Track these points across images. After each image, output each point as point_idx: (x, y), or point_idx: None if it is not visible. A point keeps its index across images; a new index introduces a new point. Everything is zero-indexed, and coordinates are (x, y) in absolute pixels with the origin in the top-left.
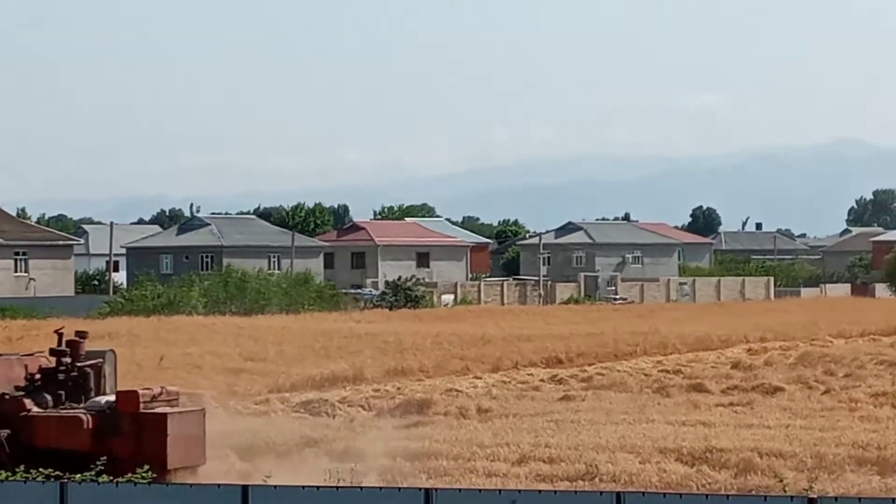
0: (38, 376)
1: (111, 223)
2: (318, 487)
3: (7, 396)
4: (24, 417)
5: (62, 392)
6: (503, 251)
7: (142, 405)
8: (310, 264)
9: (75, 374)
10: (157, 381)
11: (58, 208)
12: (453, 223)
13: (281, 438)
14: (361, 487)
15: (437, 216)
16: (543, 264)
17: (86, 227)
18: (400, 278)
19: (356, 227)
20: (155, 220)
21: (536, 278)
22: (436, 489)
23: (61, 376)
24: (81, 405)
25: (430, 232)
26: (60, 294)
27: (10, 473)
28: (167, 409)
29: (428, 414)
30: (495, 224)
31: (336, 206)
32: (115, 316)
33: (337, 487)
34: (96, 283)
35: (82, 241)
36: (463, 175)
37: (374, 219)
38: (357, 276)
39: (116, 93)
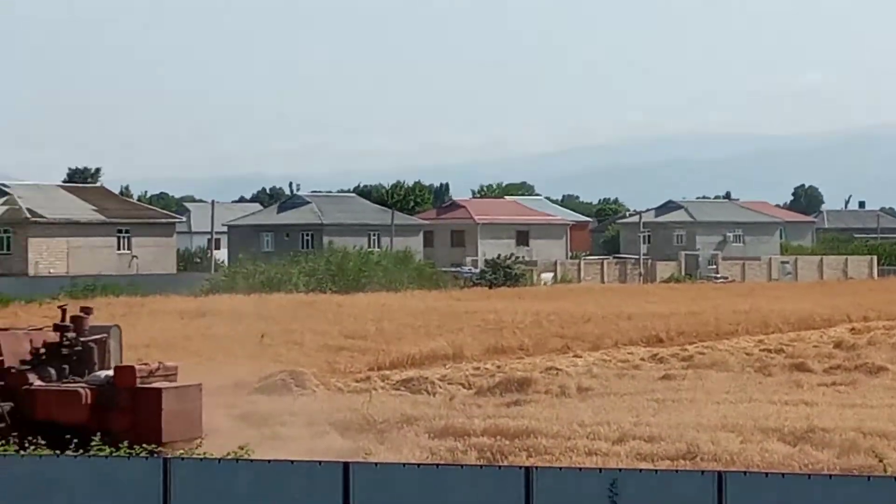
0: (42, 351)
1: (212, 201)
2: (418, 465)
3: (13, 370)
4: (26, 391)
5: (66, 366)
6: (603, 230)
7: (138, 380)
8: (409, 242)
9: (79, 348)
10: (258, 359)
11: (160, 186)
12: (553, 202)
13: (381, 416)
14: (462, 465)
15: (537, 195)
16: (644, 243)
17: (188, 205)
18: (499, 256)
19: (456, 206)
20: (256, 199)
21: (637, 257)
22: (536, 467)
23: (65, 351)
24: (83, 380)
25: (529, 210)
26: (162, 271)
27: (113, 449)
28: (163, 384)
29: (528, 392)
30: (595, 202)
31: (436, 185)
32: (217, 293)
33: (437, 465)
34: (198, 260)
35: (184, 218)
36: (562, 154)
37: (474, 197)
38: (456, 254)
39: (218, 74)
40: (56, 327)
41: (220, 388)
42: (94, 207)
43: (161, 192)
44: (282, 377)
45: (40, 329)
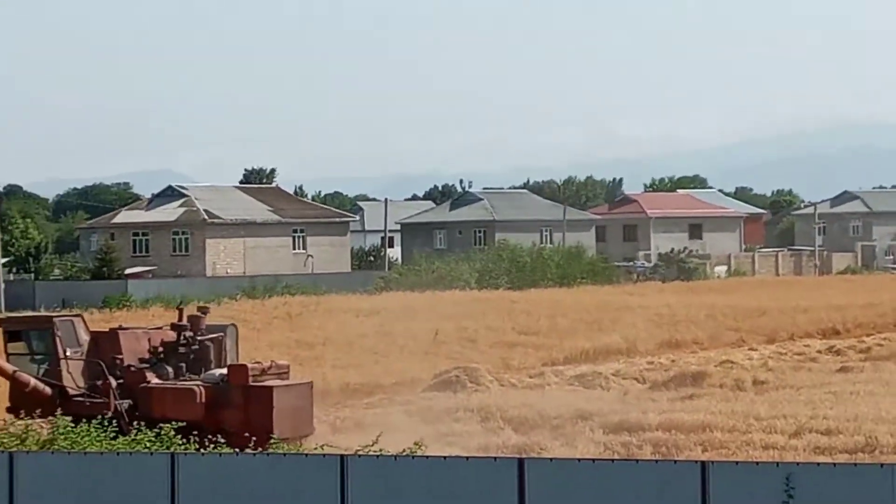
0: (160, 349)
1: (385, 199)
2: (593, 460)
3: (132, 368)
4: (143, 389)
5: (183, 364)
6: (777, 222)
7: (251, 378)
8: (582, 237)
9: (196, 347)
10: (432, 356)
11: (334, 186)
12: (726, 194)
13: (555, 411)
14: (637, 460)
15: (710, 187)
16: (819, 234)
17: (361, 203)
18: (672, 250)
19: (628, 200)
20: (428, 196)
21: (811, 249)
22: (712, 462)
23: (182, 350)
24: (199, 377)
25: (702, 203)
26: (337, 270)
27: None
28: (274, 382)
29: (703, 386)
30: (768, 194)
31: (608, 180)
32: (390, 291)
33: (612, 460)
34: (372, 258)
35: (358, 217)
36: (735, 146)
37: (646, 191)
38: (629, 248)
39: (390, 71)
40: (173, 327)
41: (396, 385)
42: (269, 208)
43: (335, 192)
44: (456, 373)
45: (160, 328)
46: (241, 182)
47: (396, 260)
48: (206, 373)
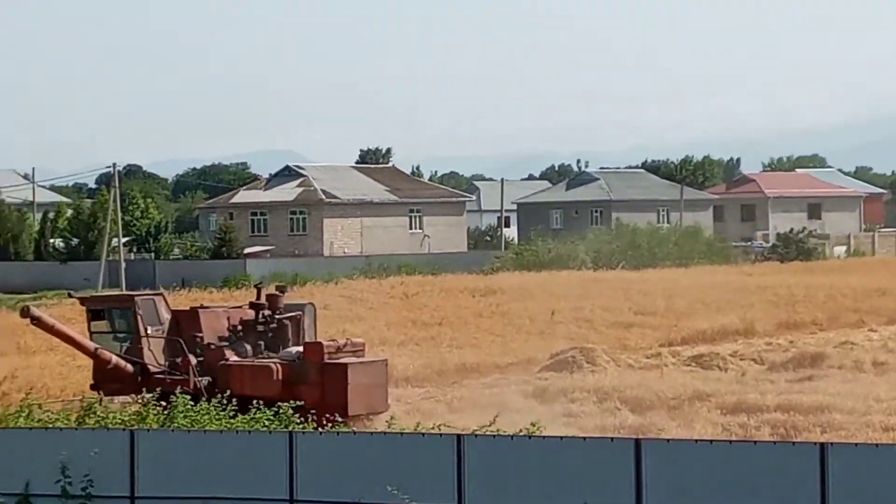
0: (239, 328)
1: (502, 179)
2: (710, 441)
3: (212, 346)
4: (222, 366)
5: (261, 342)
6: None
7: (326, 355)
8: (699, 217)
9: (274, 325)
10: (549, 336)
11: (450, 165)
12: (845, 174)
13: (672, 392)
14: (755, 442)
15: (829, 167)
16: None
17: (477, 183)
18: (791, 230)
19: (746, 180)
20: (544, 176)
21: None
22: (830, 443)
23: (260, 328)
24: (277, 355)
25: (821, 183)
26: (454, 250)
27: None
28: (350, 360)
29: (821, 367)
30: (888, 174)
31: (726, 159)
32: (507, 271)
33: (730, 442)
34: (488, 238)
35: (474, 197)
36: (856, 124)
37: (764, 171)
38: (747, 228)
39: (502, 50)
40: (251, 305)
41: (512, 365)
42: (386, 188)
43: (451, 172)
44: (572, 354)
45: (240, 307)
46: (357, 162)
47: (512, 240)
48: (284, 350)
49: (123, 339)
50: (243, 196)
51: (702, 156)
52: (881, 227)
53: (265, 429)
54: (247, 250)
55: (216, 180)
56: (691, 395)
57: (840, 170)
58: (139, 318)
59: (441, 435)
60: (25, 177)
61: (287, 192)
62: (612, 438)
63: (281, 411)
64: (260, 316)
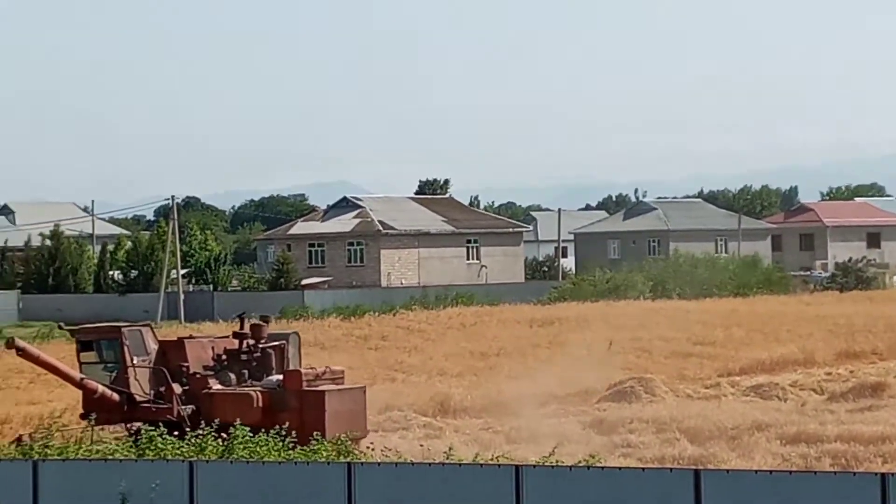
0: (224, 357)
1: (559, 209)
2: (770, 472)
3: (197, 375)
4: (205, 394)
5: (245, 371)
6: None
7: (304, 383)
8: (757, 247)
9: (258, 354)
10: (606, 366)
11: (507, 196)
12: None
13: (731, 422)
14: (815, 472)
15: (888, 195)
16: None
17: (534, 213)
18: (850, 259)
19: (804, 209)
20: (601, 206)
21: None
22: (892, 474)
23: (244, 357)
24: (259, 384)
25: (880, 212)
26: (511, 280)
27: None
28: (327, 387)
29: (882, 397)
30: None
31: (784, 188)
32: (564, 301)
33: (790, 472)
34: (546, 269)
35: (531, 227)
36: None
37: (823, 199)
38: (805, 257)
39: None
40: (235, 335)
41: (570, 395)
42: (443, 218)
43: (508, 202)
44: (631, 384)
45: (225, 337)
46: (415, 193)
47: (570, 270)
48: (266, 379)
49: (111, 370)
50: (301, 227)
51: (760, 185)
52: None
53: (324, 460)
54: (304, 281)
55: (274, 212)
56: (750, 425)
57: None
58: (126, 348)
59: (500, 466)
60: (85, 209)
61: (344, 223)
62: (671, 469)
63: (339, 442)
64: (244, 345)
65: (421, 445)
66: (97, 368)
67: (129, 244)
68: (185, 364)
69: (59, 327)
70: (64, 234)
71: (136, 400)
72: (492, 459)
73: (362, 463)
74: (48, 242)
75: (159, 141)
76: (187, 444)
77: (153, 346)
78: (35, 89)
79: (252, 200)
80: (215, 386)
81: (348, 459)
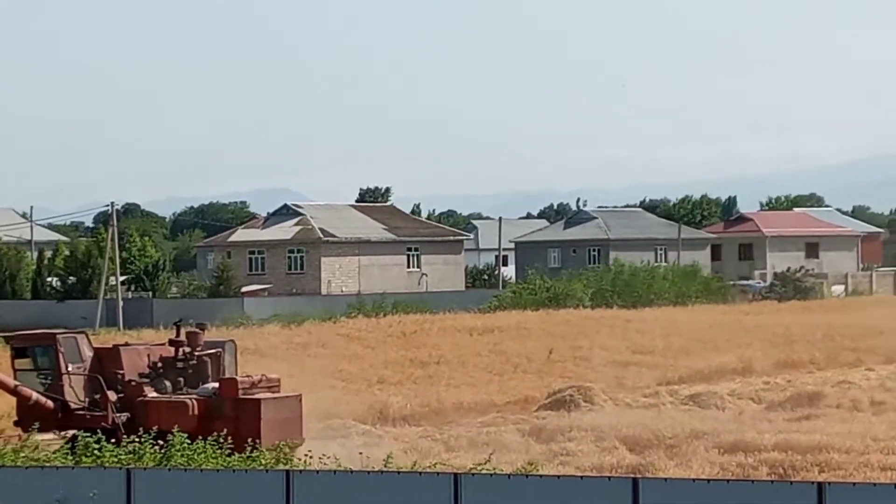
0: (159, 364)
1: (500, 218)
2: (708, 480)
3: (132, 383)
4: (141, 402)
5: (181, 379)
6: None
7: (240, 391)
8: (697, 256)
9: (194, 362)
10: (546, 374)
11: (449, 204)
12: (843, 213)
13: (670, 431)
14: (752, 481)
15: (827, 206)
16: None
17: (475, 222)
18: (789, 269)
19: (743, 219)
20: (542, 215)
21: None
22: (828, 483)
23: (180, 364)
24: (195, 391)
25: (819, 222)
26: (451, 288)
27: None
28: (263, 395)
29: (819, 406)
30: (886, 213)
31: (724, 198)
32: (504, 310)
33: (727, 481)
34: (486, 277)
35: (472, 236)
36: (854, 164)
37: (762, 209)
38: (744, 267)
39: (498, 88)
40: (171, 342)
41: (509, 403)
42: (384, 226)
43: (449, 210)
44: (570, 392)
45: (161, 345)
46: (356, 201)
47: (510, 278)
48: (202, 386)
49: (46, 377)
50: (241, 235)
51: (700, 195)
52: (879, 266)
53: (262, 467)
54: (244, 289)
55: (214, 219)
56: (689, 433)
57: (838, 209)
58: (60, 355)
59: (438, 474)
60: (24, 215)
61: (285, 230)
62: (609, 477)
63: (279, 450)
64: (180, 353)
65: (360, 453)
66: (32, 375)
67: (67, 251)
68: (121, 371)
69: None
70: (2, 240)
71: (71, 407)
72: (430, 467)
73: (301, 470)
74: None
75: (99, 147)
76: (125, 452)
77: (88, 354)
78: None
79: (192, 207)
80: (150, 394)
81: (287, 467)
